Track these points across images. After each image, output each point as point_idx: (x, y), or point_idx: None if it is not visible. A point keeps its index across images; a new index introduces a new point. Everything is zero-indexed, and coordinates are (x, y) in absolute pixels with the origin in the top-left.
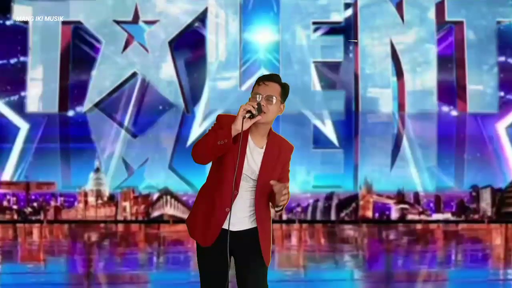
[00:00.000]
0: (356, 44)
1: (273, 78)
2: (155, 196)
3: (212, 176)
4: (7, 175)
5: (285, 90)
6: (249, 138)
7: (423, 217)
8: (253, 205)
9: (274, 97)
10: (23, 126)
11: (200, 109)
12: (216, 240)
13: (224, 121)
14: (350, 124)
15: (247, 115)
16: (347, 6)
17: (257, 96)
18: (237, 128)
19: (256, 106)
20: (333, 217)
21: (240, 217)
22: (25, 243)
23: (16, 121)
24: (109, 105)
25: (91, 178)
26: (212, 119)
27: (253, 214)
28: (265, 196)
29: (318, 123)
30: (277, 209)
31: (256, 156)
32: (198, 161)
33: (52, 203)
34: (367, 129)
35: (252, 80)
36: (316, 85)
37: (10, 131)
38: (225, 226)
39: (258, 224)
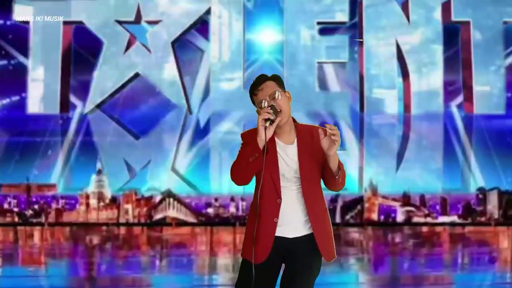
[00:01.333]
0: (361, 43)
1: (261, 79)
2: (158, 198)
3: (255, 190)
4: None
5: (279, 81)
6: (276, 140)
7: (429, 219)
8: (304, 207)
9: (277, 92)
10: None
11: (203, 110)
12: (270, 253)
13: (247, 138)
14: (355, 126)
15: (267, 123)
16: (352, 5)
17: (263, 102)
18: (262, 139)
19: (271, 111)
20: (338, 219)
21: (293, 224)
22: (26, 246)
23: (17, 122)
24: (111, 106)
25: (93, 180)
26: (215, 120)
27: (307, 219)
28: (316, 190)
29: (322, 124)
30: (337, 176)
31: (291, 153)
32: (241, 183)
33: (53, 205)
34: (373, 130)
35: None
36: (321, 86)
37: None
38: (277, 234)
39: (315, 227)
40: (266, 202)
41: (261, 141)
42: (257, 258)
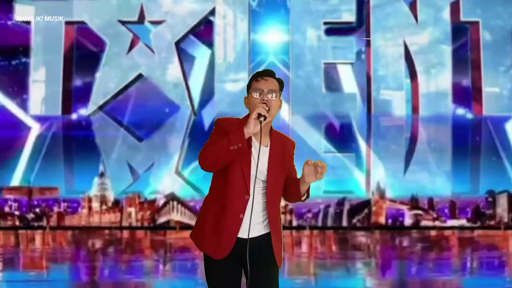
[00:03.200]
0: (369, 43)
1: (271, 73)
2: (161, 201)
3: (217, 185)
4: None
5: (281, 86)
6: (253, 138)
7: (437, 223)
8: (265, 208)
9: (276, 92)
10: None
11: (207, 112)
12: (232, 251)
13: (227, 125)
14: (362, 127)
15: (261, 118)
16: (359, 5)
17: (259, 91)
18: (250, 131)
19: (267, 108)
20: (344, 223)
21: (255, 222)
22: (27, 250)
23: (19, 124)
24: (114, 108)
25: (95, 183)
26: None
27: (266, 218)
28: (276, 196)
29: (329, 126)
30: (303, 197)
31: (263, 155)
32: (209, 169)
33: (55, 208)
34: (380, 132)
35: None
36: (327, 87)
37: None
38: (240, 234)
39: (271, 227)
40: (234, 197)
41: (248, 134)
42: (219, 254)
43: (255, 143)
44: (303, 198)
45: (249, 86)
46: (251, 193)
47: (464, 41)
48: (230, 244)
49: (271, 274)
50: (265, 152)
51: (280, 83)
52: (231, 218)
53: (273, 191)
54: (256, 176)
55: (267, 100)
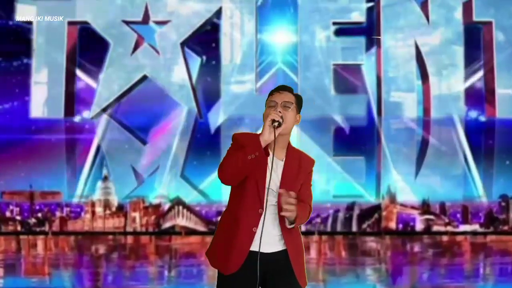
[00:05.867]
0: (379, 43)
1: (287, 88)
2: (167, 206)
3: (234, 199)
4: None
5: (299, 101)
6: (269, 150)
7: (449, 228)
8: (278, 222)
9: (291, 104)
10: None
11: (214, 114)
12: (243, 265)
13: (244, 139)
14: (372, 130)
15: (275, 124)
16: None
17: (273, 104)
18: (266, 138)
19: (281, 114)
20: (354, 228)
21: (269, 237)
22: (29, 255)
23: (20, 127)
24: (117, 110)
25: (99, 187)
26: (226, 124)
27: (281, 235)
28: None
29: (338, 129)
30: (289, 226)
31: (278, 168)
32: (228, 182)
33: (58, 213)
34: (390, 135)
35: (269, 83)
36: (336, 89)
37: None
38: (253, 248)
39: (288, 244)
40: (247, 210)
41: (264, 141)
42: (229, 268)
43: (270, 156)
44: (288, 226)
45: (266, 102)
46: (264, 206)
47: (476, 41)
48: (241, 258)
49: None
50: (280, 165)
51: (298, 98)
52: (243, 231)
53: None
54: (269, 188)
55: (280, 111)
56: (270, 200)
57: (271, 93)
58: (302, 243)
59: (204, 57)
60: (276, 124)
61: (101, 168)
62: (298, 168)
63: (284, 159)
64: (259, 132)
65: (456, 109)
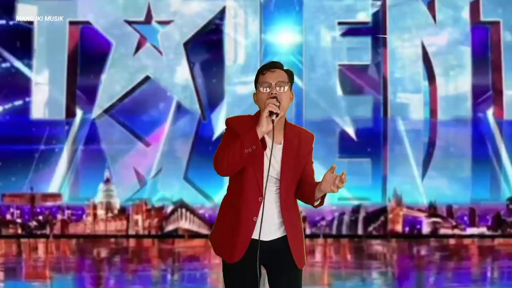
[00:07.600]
0: (385, 43)
1: (277, 65)
2: (169, 209)
3: (233, 187)
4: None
5: (291, 77)
6: (265, 136)
7: (456, 231)
8: (280, 209)
9: (285, 83)
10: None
11: (217, 116)
12: (246, 254)
13: (238, 127)
14: (378, 132)
15: (274, 117)
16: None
17: (266, 85)
18: (263, 130)
19: (277, 104)
20: (360, 231)
21: (270, 225)
22: (30, 259)
23: (21, 128)
24: (119, 111)
25: (101, 189)
26: None
27: (281, 222)
28: (291, 196)
29: (344, 130)
30: (316, 203)
31: (276, 153)
32: (225, 174)
33: (59, 216)
34: (397, 137)
35: None
36: (342, 90)
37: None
38: (254, 237)
39: (288, 229)
40: (247, 200)
41: (262, 133)
42: (233, 257)
43: (268, 141)
44: (315, 204)
45: (256, 81)
46: (265, 195)
47: (484, 42)
48: (244, 247)
49: (292, 281)
50: (278, 149)
51: (289, 74)
52: (244, 221)
53: (287, 191)
54: (268, 176)
55: (275, 93)
56: (270, 187)
57: (262, 72)
58: (302, 226)
59: (208, 58)
60: (274, 117)
61: (103, 170)
62: (298, 148)
63: (282, 142)
64: (253, 114)
65: (463, 110)
